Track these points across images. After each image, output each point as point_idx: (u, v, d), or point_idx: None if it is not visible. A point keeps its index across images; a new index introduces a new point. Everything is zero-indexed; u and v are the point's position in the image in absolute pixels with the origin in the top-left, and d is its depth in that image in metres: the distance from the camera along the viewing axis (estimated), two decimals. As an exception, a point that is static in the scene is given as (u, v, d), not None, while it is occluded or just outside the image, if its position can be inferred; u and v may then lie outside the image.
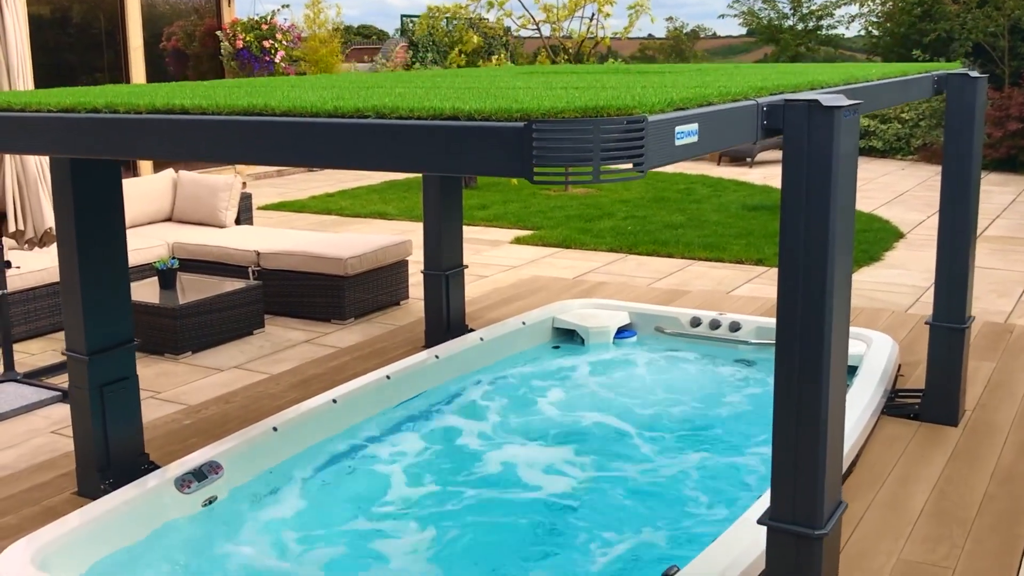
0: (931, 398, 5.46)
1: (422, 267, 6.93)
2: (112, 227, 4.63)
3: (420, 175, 8.28)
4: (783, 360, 3.19)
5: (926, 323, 5.48)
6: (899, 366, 6.28)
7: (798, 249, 3.09)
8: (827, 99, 3.05)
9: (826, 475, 3.25)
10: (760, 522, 3.37)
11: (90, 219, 4.53)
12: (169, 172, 9.65)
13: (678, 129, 2.66)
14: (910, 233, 11.50)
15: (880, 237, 11.10)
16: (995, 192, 14.46)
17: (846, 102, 3.07)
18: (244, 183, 10.18)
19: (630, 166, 2.46)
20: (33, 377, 6.44)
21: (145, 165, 12.45)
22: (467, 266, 7.24)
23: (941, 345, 5.38)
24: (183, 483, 4.53)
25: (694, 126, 2.75)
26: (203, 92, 3.67)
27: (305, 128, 2.71)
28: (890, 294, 8.67)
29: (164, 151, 3.00)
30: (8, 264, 6.31)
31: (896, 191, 14.81)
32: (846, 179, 3.12)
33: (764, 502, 4.12)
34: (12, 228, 6.33)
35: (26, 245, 6.48)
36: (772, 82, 3.57)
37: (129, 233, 8.83)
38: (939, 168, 5.39)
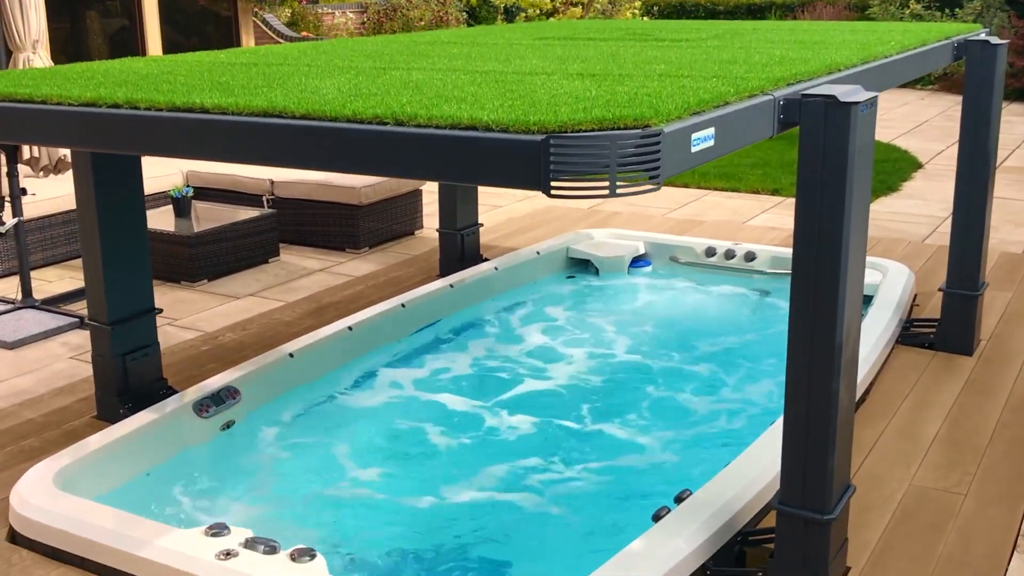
0: (946, 328, 5.45)
1: (437, 225, 6.99)
2: (132, 199, 4.67)
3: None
4: (793, 360, 3.25)
5: (939, 290, 5.47)
6: (915, 296, 6.27)
7: (812, 242, 3.12)
8: (844, 94, 3.05)
9: (835, 461, 3.29)
10: (771, 505, 3.39)
11: (110, 192, 4.57)
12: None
13: (694, 136, 2.66)
14: (928, 163, 11.39)
15: (898, 167, 11.00)
16: (1016, 122, 14.28)
17: (863, 96, 3.07)
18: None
19: (646, 178, 2.47)
20: (51, 304, 6.49)
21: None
22: (482, 224, 7.25)
23: (954, 310, 5.43)
24: (201, 407, 4.58)
25: (710, 131, 2.74)
26: (220, 72, 3.64)
27: (324, 133, 2.71)
28: (907, 224, 8.61)
29: (183, 150, 3.02)
30: (24, 191, 6.31)
31: (915, 121, 14.64)
32: (862, 173, 3.13)
33: (776, 430, 4.15)
34: (27, 155, 6.32)
35: (41, 172, 6.48)
36: (789, 70, 3.52)
37: (143, 161, 8.82)
38: (960, 98, 5.31)
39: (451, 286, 6.28)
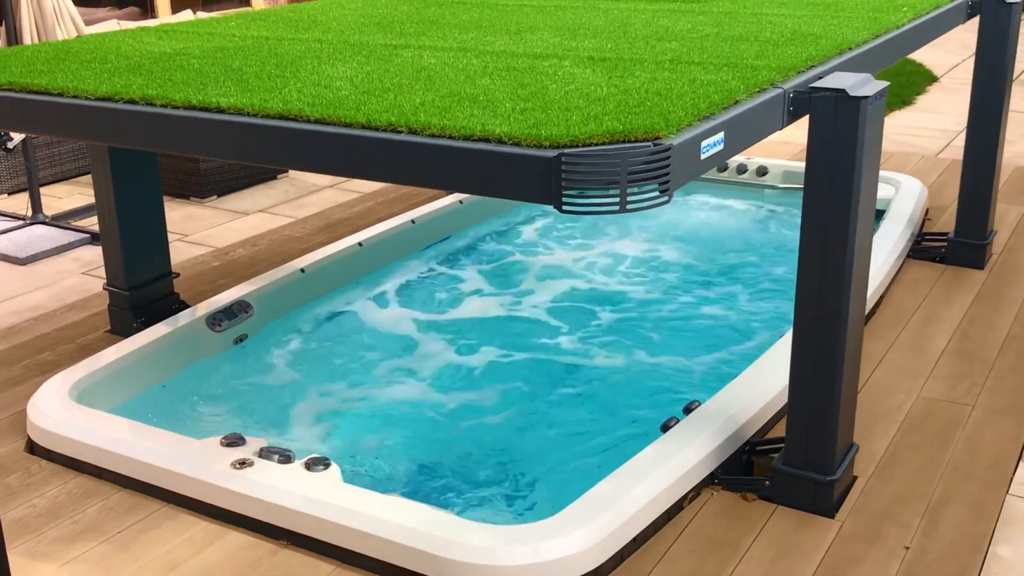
0: (957, 241, 5.43)
1: None
2: (148, 172, 4.67)
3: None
4: (800, 327, 3.28)
5: (947, 238, 5.43)
6: (927, 210, 6.23)
7: (818, 220, 3.17)
8: (854, 86, 3.05)
9: (839, 421, 3.30)
10: (774, 466, 3.44)
11: (126, 170, 4.57)
12: (187, 13, 9.46)
13: (704, 143, 2.66)
14: (944, 77, 11.23)
15: (913, 80, 10.86)
16: (1034, 35, 14.03)
17: (873, 89, 3.07)
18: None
19: (655, 191, 2.49)
20: (60, 220, 6.50)
21: (162, 5, 12.19)
22: None
23: (966, 222, 5.42)
24: (214, 322, 4.61)
25: (720, 135, 2.73)
26: (233, 55, 3.55)
27: (339, 140, 2.71)
28: (920, 138, 8.53)
29: (200, 148, 3.01)
30: (30, 107, 6.28)
31: None
32: (871, 164, 3.16)
33: (784, 343, 4.16)
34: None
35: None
36: (800, 53, 3.48)
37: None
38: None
39: (460, 202, 6.26)
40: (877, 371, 4.34)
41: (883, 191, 6.12)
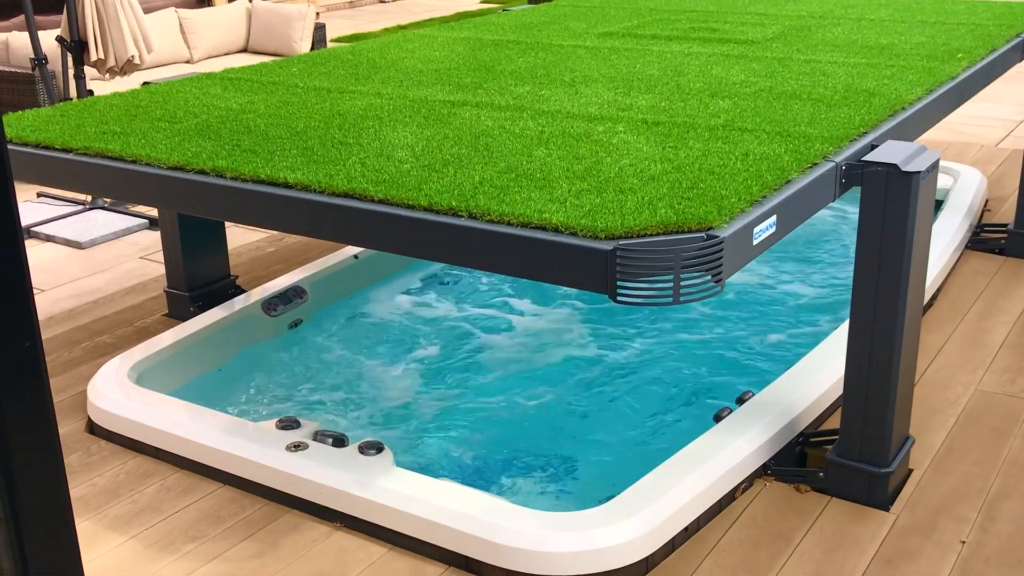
0: (1017, 233, 5.34)
1: None
2: None
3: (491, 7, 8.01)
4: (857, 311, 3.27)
5: (1007, 229, 5.33)
6: (986, 200, 6.13)
7: (868, 305, 3.23)
8: (906, 160, 3.07)
9: (895, 414, 3.27)
10: (828, 458, 3.41)
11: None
12: (243, 1, 9.56)
13: (756, 229, 2.68)
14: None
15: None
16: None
17: (925, 163, 3.09)
18: (318, 13, 10.07)
19: (708, 280, 2.54)
20: (119, 205, 6.61)
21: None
22: None
23: (1022, 251, 5.32)
24: (269, 306, 4.67)
25: (772, 219, 2.75)
26: (296, 114, 3.52)
27: (402, 221, 2.77)
28: (980, 127, 8.39)
29: (268, 223, 3.07)
30: (91, 93, 6.38)
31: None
32: (921, 237, 3.20)
33: (840, 335, 4.12)
34: (93, 57, 6.37)
35: (107, 74, 6.54)
36: (854, 117, 3.47)
37: (206, 64, 8.86)
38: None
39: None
40: (934, 363, 4.28)
41: (942, 181, 6.03)
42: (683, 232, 2.54)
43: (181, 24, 8.79)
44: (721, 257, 2.52)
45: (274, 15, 9.32)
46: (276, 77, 4.35)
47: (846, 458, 3.39)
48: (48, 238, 6.14)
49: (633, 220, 2.57)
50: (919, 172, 3.04)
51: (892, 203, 3.09)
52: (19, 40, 7.41)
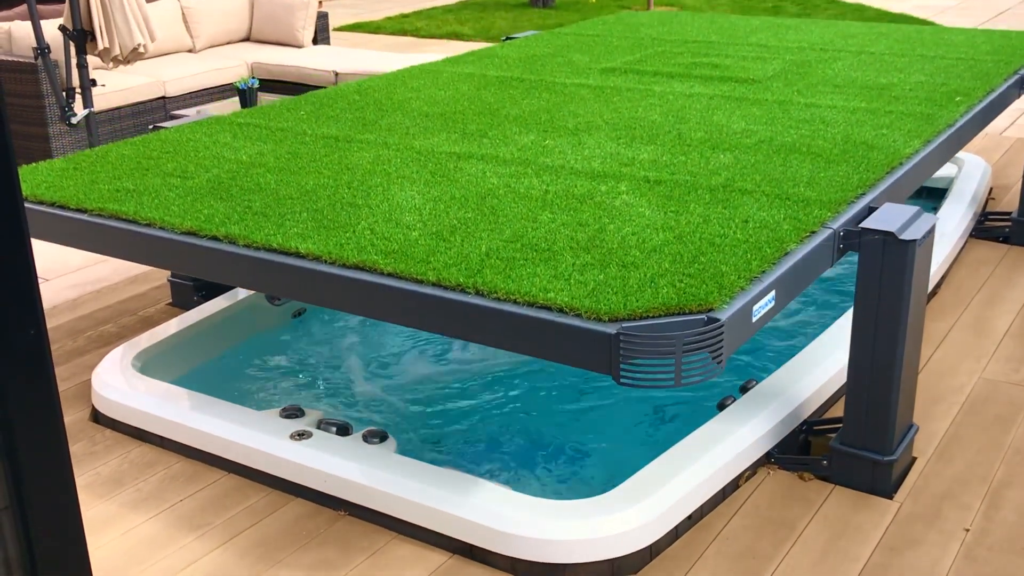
0: (1022, 221, 5.33)
1: None
2: None
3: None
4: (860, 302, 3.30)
5: (1011, 218, 5.32)
6: (991, 189, 6.12)
7: (867, 357, 3.28)
8: (903, 227, 3.14)
9: (899, 402, 3.28)
10: (832, 446, 3.41)
11: None
12: (245, -9, 9.54)
13: (755, 307, 2.74)
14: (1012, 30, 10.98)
15: (977, 57, 10.63)
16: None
17: (921, 231, 3.15)
18: (320, 2, 10.04)
19: (709, 359, 2.61)
20: (123, 195, 6.60)
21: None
22: None
23: None
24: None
25: (771, 295, 2.81)
26: (306, 169, 3.55)
27: (411, 296, 2.83)
28: (984, 116, 8.36)
29: (280, 291, 3.11)
30: (94, 82, 6.38)
31: (997, 8, 14.09)
32: (918, 296, 3.24)
33: (844, 322, 4.12)
34: (99, 47, 6.37)
35: (111, 64, 6.53)
36: (853, 174, 3.53)
37: (208, 53, 8.84)
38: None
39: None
40: (938, 351, 4.28)
41: (946, 169, 6.02)
42: (684, 313, 2.62)
43: (184, 13, 8.78)
44: (722, 339, 2.60)
45: (276, 4, 9.30)
46: (284, 123, 4.39)
47: (850, 446, 3.39)
48: (51, 227, 6.14)
49: (636, 301, 2.65)
50: (915, 240, 3.10)
51: (889, 269, 3.16)
52: (22, 29, 7.41)
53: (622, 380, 2.59)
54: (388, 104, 4.62)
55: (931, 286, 4.73)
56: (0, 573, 1.55)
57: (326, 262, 2.99)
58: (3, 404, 1.47)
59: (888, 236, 3.12)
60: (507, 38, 6.43)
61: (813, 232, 3.09)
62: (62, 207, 3.51)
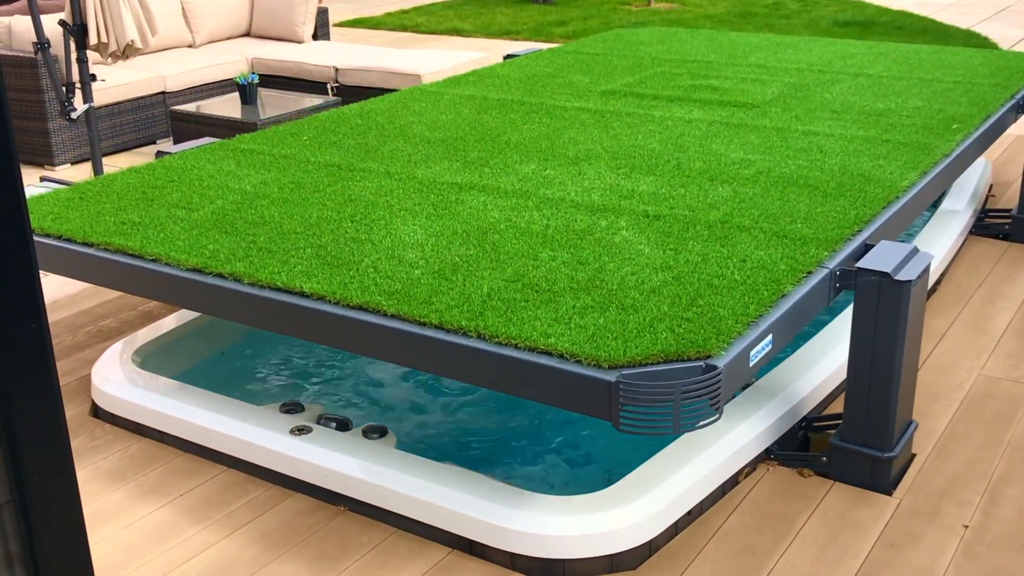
0: (1021, 218, 5.33)
1: None
2: None
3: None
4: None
5: (1011, 215, 5.32)
6: (991, 186, 6.12)
7: (863, 396, 3.32)
8: (897, 267, 3.18)
9: (899, 398, 3.30)
10: (831, 442, 3.42)
11: None
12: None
13: (752, 352, 2.78)
14: (1009, 50, 10.98)
15: (977, 54, 10.63)
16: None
17: (916, 271, 3.19)
18: (320, -3, 10.03)
19: (707, 406, 2.65)
20: (123, 190, 6.60)
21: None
22: None
23: None
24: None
25: (768, 339, 2.85)
26: (310, 200, 3.58)
27: (413, 339, 2.87)
28: (984, 113, 8.35)
29: (284, 330, 3.15)
30: (93, 77, 6.37)
31: (997, 6, 14.08)
32: (913, 337, 3.28)
33: (844, 319, 4.12)
34: (94, 41, 6.36)
35: (109, 59, 6.52)
36: (851, 210, 3.58)
37: (208, 48, 8.84)
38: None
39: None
40: (938, 348, 4.29)
41: (946, 166, 6.02)
42: (683, 360, 2.66)
43: (184, 9, 8.77)
44: (719, 386, 2.63)
45: (276, 0, 9.29)
46: (288, 149, 4.42)
47: (849, 443, 3.39)
48: (51, 222, 6.14)
49: (635, 347, 2.69)
50: (910, 281, 3.13)
51: (884, 309, 3.19)
52: (22, 24, 7.40)
53: (622, 427, 2.63)
54: (390, 129, 4.64)
55: (931, 283, 4.73)
56: (2, 567, 1.55)
57: (330, 302, 3.04)
58: (4, 398, 1.47)
59: (883, 277, 3.17)
60: (508, 56, 6.46)
61: (810, 272, 3.14)
62: (68, 240, 3.56)
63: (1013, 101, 5.02)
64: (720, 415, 2.66)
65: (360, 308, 2.99)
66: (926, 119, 4.60)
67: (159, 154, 4.49)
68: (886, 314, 3.19)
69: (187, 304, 3.33)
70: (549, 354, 2.71)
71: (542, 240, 3.38)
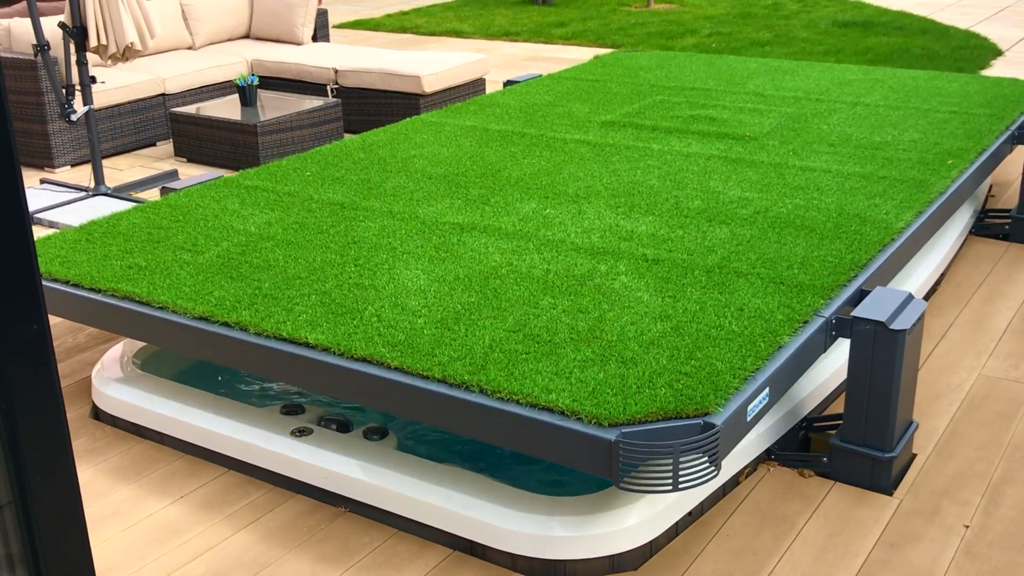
0: (1021, 218, 5.33)
1: (503, 79, 6.85)
2: None
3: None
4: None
5: (1011, 215, 5.33)
6: (990, 186, 6.12)
7: (859, 432, 3.34)
8: (892, 316, 3.21)
9: (899, 398, 3.31)
10: (832, 443, 3.42)
11: None
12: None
13: (750, 406, 2.81)
14: (1009, 51, 10.99)
15: (977, 55, 10.63)
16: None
17: (910, 320, 3.22)
18: (320, -1, 10.03)
19: (706, 463, 2.69)
20: (122, 191, 6.60)
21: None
22: None
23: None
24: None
25: (765, 392, 2.88)
26: (312, 244, 3.62)
27: (416, 393, 2.91)
28: (984, 114, 8.35)
29: (289, 380, 3.20)
30: (93, 79, 6.37)
31: (996, 6, 14.09)
32: (909, 376, 3.33)
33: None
34: (94, 43, 6.36)
35: (109, 60, 6.53)
36: (847, 254, 3.62)
37: (208, 50, 8.84)
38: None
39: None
40: (938, 348, 4.29)
41: (945, 167, 6.02)
42: (681, 418, 2.68)
43: (183, 10, 8.77)
44: (717, 443, 2.66)
45: (276, 1, 9.29)
46: (291, 185, 4.46)
47: (850, 443, 3.39)
48: (51, 224, 6.14)
49: (635, 404, 2.72)
50: (905, 330, 3.16)
51: (880, 356, 3.22)
52: (21, 26, 7.40)
53: (622, 485, 2.67)
54: (392, 163, 4.68)
55: (931, 283, 4.73)
56: (3, 569, 1.55)
57: (334, 353, 3.07)
58: (6, 399, 1.47)
59: (879, 326, 3.19)
60: (508, 83, 6.47)
61: (806, 322, 3.17)
62: (76, 285, 3.60)
63: (1008, 133, 5.07)
64: (719, 471, 2.69)
65: (364, 360, 3.03)
66: (922, 153, 4.64)
67: (164, 190, 4.51)
68: (882, 361, 3.22)
69: (195, 352, 3.37)
70: (551, 411, 2.74)
71: (543, 286, 3.42)
